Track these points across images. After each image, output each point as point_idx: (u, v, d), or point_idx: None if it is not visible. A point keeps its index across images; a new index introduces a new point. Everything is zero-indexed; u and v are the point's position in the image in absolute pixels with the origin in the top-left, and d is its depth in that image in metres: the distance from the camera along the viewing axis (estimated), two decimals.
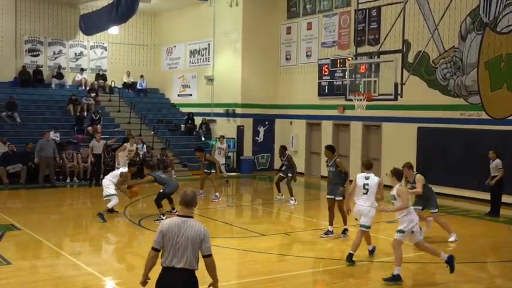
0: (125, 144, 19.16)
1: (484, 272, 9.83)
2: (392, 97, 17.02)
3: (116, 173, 14.83)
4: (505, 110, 17.41)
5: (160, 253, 5.68)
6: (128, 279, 9.16)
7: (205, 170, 17.64)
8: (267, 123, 26.14)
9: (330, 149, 12.57)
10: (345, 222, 12.36)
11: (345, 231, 12.41)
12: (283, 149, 17.75)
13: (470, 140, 18.16)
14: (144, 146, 23.17)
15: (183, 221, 5.65)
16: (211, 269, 5.78)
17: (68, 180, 20.64)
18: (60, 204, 17.18)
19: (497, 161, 15.12)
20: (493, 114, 17.75)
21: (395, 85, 16.73)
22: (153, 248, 5.71)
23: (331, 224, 12.52)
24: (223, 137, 21.44)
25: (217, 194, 17.47)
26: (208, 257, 5.71)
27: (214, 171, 17.46)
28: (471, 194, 17.54)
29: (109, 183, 14.43)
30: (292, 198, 17.08)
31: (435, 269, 10.06)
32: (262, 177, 24.47)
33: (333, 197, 12.38)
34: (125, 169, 15.24)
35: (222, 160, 20.30)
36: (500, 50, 17.45)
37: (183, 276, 5.57)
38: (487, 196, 15.77)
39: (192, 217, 5.72)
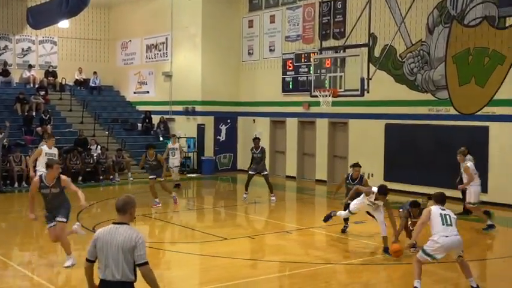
0: (41, 147, 14.90)
1: (454, 272, 10.04)
2: (358, 93, 17.23)
3: None
4: (473, 105, 17.81)
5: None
6: None
7: (150, 177, 16.64)
8: (229, 121, 26.14)
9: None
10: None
11: None
12: (258, 140, 17.93)
13: (438, 136, 18.53)
14: (99, 147, 22.93)
15: (115, 228, 5.50)
16: (149, 280, 5.51)
17: (16, 185, 20.25)
18: (8, 212, 16.84)
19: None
20: (462, 109, 18.14)
21: (362, 80, 16.93)
22: (86, 259, 5.60)
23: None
24: (175, 136, 21.29)
25: (156, 200, 16.54)
26: (142, 265, 5.46)
27: (155, 176, 16.49)
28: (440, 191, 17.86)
29: None
30: (273, 194, 17.64)
31: (406, 270, 10.25)
32: (224, 178, 24.47)
33: None
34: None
35: (176, 162, 20.15)
36: (468, 43, 17.85)
37: None
38: (457, 194, 16.08)
39: (126, 224, 5.56)
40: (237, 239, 12.87)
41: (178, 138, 22.46)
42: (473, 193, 13.72)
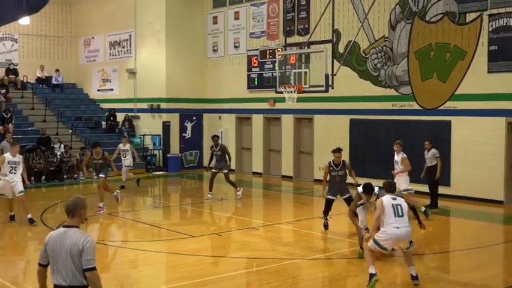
0: (4, 155, 14.24)
1: (419, 264, 10.24)
2: (323, 89, 17.38)
3: None
4: (435, 100, 18.14)
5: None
6: None
7: (100, 175, 16.01)
8: (194, 118, 26.09)
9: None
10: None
11: None
12: (217, 137, 17.76)
13: (402, 130, 18.80)
14: (62, 145, 22.67)
15: (64, 232, 5.32)
16: (95, 286, 5.24)
17: None
18: None
19: (434, 150, 15.75)
20: (424, 104, 18.46)
21: (326, 76, 17.09)
22: (38, 264, 5.46)
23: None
24: (125, 137, 21.02)
25: (101, 204, 15.55)
26: (88, 271, 5.20)
27: (103, 175, 15.99)
28: (389, 180, 18.11)
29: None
30: (238, 189, 17.59)
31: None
32: (190, 175, 24.43)
33: None
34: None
35: (127, 163, 19.94)
36: (429, 39, 18.16)
37: None
38: (421, 188, 16.36)
39: (76, 227, 5.37)
40: (204, 236, 12.88)
41: (137, 138, 22.21)
42: (405, 180, 14.33)
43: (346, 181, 12.83)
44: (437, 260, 10.60)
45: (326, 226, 12.87)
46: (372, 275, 8.73)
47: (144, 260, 11.21)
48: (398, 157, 14.64)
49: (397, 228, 8.68)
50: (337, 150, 12.82)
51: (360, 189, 10.84)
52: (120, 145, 20.21)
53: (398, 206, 8.83)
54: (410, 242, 8.94)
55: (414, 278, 8.90)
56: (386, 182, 9.49)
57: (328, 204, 12.74)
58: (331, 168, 12.66)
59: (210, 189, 17.63)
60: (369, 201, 10.74)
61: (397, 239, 8.75)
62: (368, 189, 10.62)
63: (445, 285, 9.53)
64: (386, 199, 8.97)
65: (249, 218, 15.51)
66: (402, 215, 8.79)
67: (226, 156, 17.53)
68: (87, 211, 5.51)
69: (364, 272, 10.23)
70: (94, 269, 5.21)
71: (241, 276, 9.98)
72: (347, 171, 12.81)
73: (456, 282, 9.54)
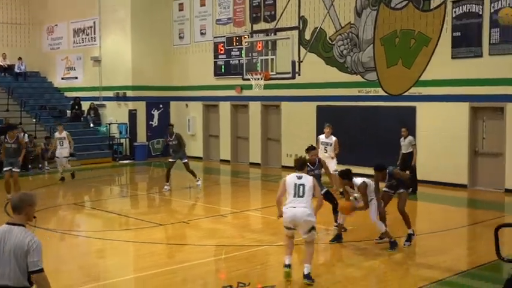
0: None
1: (383, 248, 10.38)
2: (290, 75, 17.37)
3: None
4: (400, 86, 18.32)
5: None
6: None
7: (5, 169, 15.13)
8: (161, 106, 25.90)
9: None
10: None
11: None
12: (172, 126, 17.38)
13: (368, 116, 18.99)
14: (26, 135, 22.27)
15: (9, 229, 5.05)
16: None
17: None
18: None
19: (410, 137, 15.95)
20: (390, 90, 18.63)
21: (293, 63, 17.08)
22: None
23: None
24: (61, 124, 20.25)
25: (10, 196, 14.49)
26: (36, 273, 4.95)
27: (17, 169, 15.21)
28: (372, 171, 18.31)
29: None
30: (198, 178, 17.12)
31: (338, 248, 10.52)
32: (158, 163, 24.27)
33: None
34: None
35: (64, 152, 19.01)
36: (394, 25, 18.30)
37: None
38: None
39: (22, 225, 5.10)
40: (171, 224, 12.84)
41: (103, 127, 21.72)
42: (335, 162, 14.74)
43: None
44: (401, 243, 10.74)
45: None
46: (285, 265, 8.57)
47: (111, 250, 11.13)
48: (331, 139, 15.11)
49: (294, 207, 8.39)
50: (312, 148, 11.57)
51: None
52: (56, 133, 19.41)
53: (301, 186, 8.46)
54: (312, 229, 8.50)
55: (305, 276, 8.46)
56: (296, 159, 8.96)
57: None
58: (309, 168, 11.05)
59: (167, 180, 17.07)
60: (347, 188, 10.57)
61: (293, 217, 8.42)
62: (344, 175, 10.55)
63: (411, 268, 9.68)
64: (290, 178, 8.62)
65: (217, 205, 15.50)
66: (302, 196, 8.42)
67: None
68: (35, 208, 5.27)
69: (332, 256, 10.34)
70: (41, 270, 4.99)
71: (210, 264, 9.99)
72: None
73: (422, 265, 9.70)
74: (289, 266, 8.57)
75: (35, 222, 5.30)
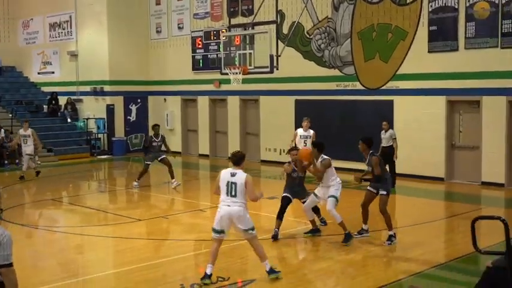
0: None
1: (364, 242, 10.44)
2: (268, 70, 17.38)
3: None
4: (378, 80, 18.42)
5: None
6: None
7: None
8: (139, 100, 25.73)
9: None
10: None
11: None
12: (158, 127, 16.82)
13: (346, 110, 19.07)
14: (2, 130, 21.99)
15: None
16: (11, 285, 4.89)
17: None
18: None
19: (391, 131, 16.03)
20: (367, 84, 18.72)
21: (271, 57, 17.09)
22: None
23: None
24: (27, 121, 19.66)
25: None
26: (5, 267, 4.84)
27: None
28: (350, 165, 18.40)
29: None
30: (175, 180, 16.46)
31: (317, 242, 10.57)
32: (136, 158, 24.13)
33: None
34: None
35: (28, 150, 18.43)
36: (372, 19, 18.37)
37: None
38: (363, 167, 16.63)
39: None
40: (151, 219, 12.78)
41: (81, 122, 21.46)
42: None
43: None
44: (382, 237, 10.82)
45: (276, 236, 10.70)
46: (205, 276, 8.15)
47: (90, 245, 11.04)
48: (309, 132, 15.45)
49: (228, 206, 8.14)
50: (293, 149, 11.45)
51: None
52: (21, 130, 18.82)
53: (233, 185, 8.12)
54: (250, 229, 8.28)
55: (269, 272, 8.32)
56: (233, 152, 8.61)
57: (286, 205, 10.80)
58: (292, 169, 10.94)
59: (139, 178, 16.71)
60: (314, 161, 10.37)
61: (229, 217, 8.17)
62: (318, 146, 10.60)
63: (389, 261, 9.75)
64: (224, 173, 8.24)
65: (197, 200, 15.46)
66: (234, 195, 8.11)
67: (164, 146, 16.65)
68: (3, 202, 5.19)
69: (311, 250, 10.37)
70: (11, 265, 4.89)
71: (190, 259, 9.97)
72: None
73: (400, 258, 9.77)
74: (209, 276, 8.18)
75: (2, 215, 5.17)
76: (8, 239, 4.91)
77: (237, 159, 8.36)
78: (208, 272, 8.22)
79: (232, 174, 8.18)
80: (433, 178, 17.11)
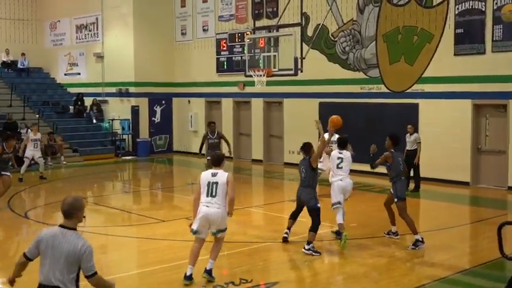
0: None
1: (388, 246, 10.35)
2: (292, 72, 17.36)
3: None
4: (403, 83, 18.26)
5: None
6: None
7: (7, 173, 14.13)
8: (163, 102, 25.87)
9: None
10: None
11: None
12: (214, 124, 16.06)
13: (370, 113, 18.92)
14: (29, 131, 22.24)
15: (61, 233, 5.13)
16: None
17: None
18: None
19: (416, 135, 15.90)
20: (392, 87, 18.57)
21: (295, 60, 17.06)
22: (24, 255, 5.32)
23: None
24: (35, 124, 19.86)
25: None
26: (91, 277, 5.10)
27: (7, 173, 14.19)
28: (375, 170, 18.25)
29: None
30: None
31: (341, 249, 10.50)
32: (160, 160, 24.27)
33: None
34: None
35: (38, 153, 18.47)
36: (397, 22, 18.23)
37: None
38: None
39: (73, 229, 5.19)
40: (174, 220, 12.81)
41: (106, 123, 21.68)
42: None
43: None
44: (406, 241, 10.71)
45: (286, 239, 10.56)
46: (185, 277, 8.18)
47: (114, 245, 11.11)
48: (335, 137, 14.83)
49: (207, 207, 8.05)
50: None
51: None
52: (31, 134, 18.81)
53: (214, 185, 8.07)
54: (222, 231, 8.28)
55: (207, 271, 8.33)
56: (214, 154, 8.66)
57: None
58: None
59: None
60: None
61: (206, 219, 8.07)
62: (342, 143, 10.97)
63: (414, 265, 9.64)
64: (204, 175, 8.22)
65: None
66: (215, 195, 8.03)
67: (225, 143, 16.00)
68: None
69: (335, 253, 10.30)
70: (96, 273, 5.12)
71: None
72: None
73: (424, 263, 9.67)
74: (189, 277, 8.21)
75: (84, 222, 5.35)
76: (90, 250, 5.12)
77: (216, 160, 8.38)
78: (188, 273, 8.22)
79: (213, 174, 8.16)
80: (459, 182, 16.89)
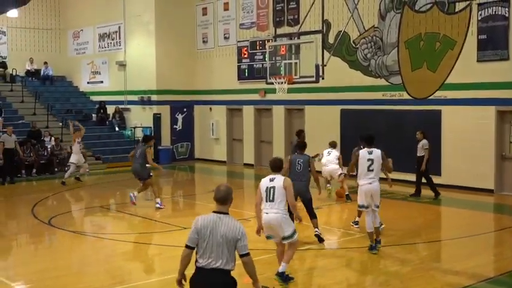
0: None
1: (410, 254, 10.28)
2: (314, 79, 17.35)
3: None
4: (425, 89, 18.14)
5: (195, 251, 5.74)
6: (39, 283, 8.90)
7: None
8: (185, 110, 26.00)
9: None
10: None
11: None
12: (302, 132, 15.89)
13: (392, 120, 18.82)
14: (52, 138, 22.53)
15: (218, 218, 5.68)
16: (250, 269, 5.77)
17: None
18: None
19: (424, 141, 15.78)
20: (414, 94, 18.45)
21: (317, 67, 17.05)
22: (186, 246, 5.78)
23: None
24: (77, 130, 20.69)
25: None
26: (245, 256, 5.68)
27: None
28: (396, 176, 18.14)
29: None
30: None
31: (363, 253, 10.44)
32: (182, 167, 24.36)
33: None
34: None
35: (82, 158, 19.97)
36: (419, 28, 18.13)
37: (220, 277, 5.61)
38: (411, 177, 16.40)
39: (227, 213, 5.75)
40: None
41: (128, 131, 21.92)
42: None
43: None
44: (429, 249, 10.63)
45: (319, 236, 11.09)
46: (283, 276, 8.32)
47: (136, 252, 11.18)
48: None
49: (266, 214, 8.08)
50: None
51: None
52: (77, 139, 19.98)
53: (271, 189, 8.11)
54: (292, 235, 8.27)
55: (278, 274, 8.38)
56: (271, 159, 8.65)
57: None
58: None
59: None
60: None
61: (268, 226, 8.14)
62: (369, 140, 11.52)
63: (437, 273, 9.54)
64: (263, 181, 8.25)
65: (241, 209, 15.44)
66: (273, 200, 8.08)
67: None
68: None
69: (357, 261, 10.24)
70: (249, 254, 5.68)
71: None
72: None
73: (448, 271, 9.57)
74: (281, 274, 8.33)
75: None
76: (244, 231, 5.69)
77: (274, 166, 8.45)
78: (280, 270, 8.40)
79: (271, 179, 8.24)
80: (482, 190, 16.69)
